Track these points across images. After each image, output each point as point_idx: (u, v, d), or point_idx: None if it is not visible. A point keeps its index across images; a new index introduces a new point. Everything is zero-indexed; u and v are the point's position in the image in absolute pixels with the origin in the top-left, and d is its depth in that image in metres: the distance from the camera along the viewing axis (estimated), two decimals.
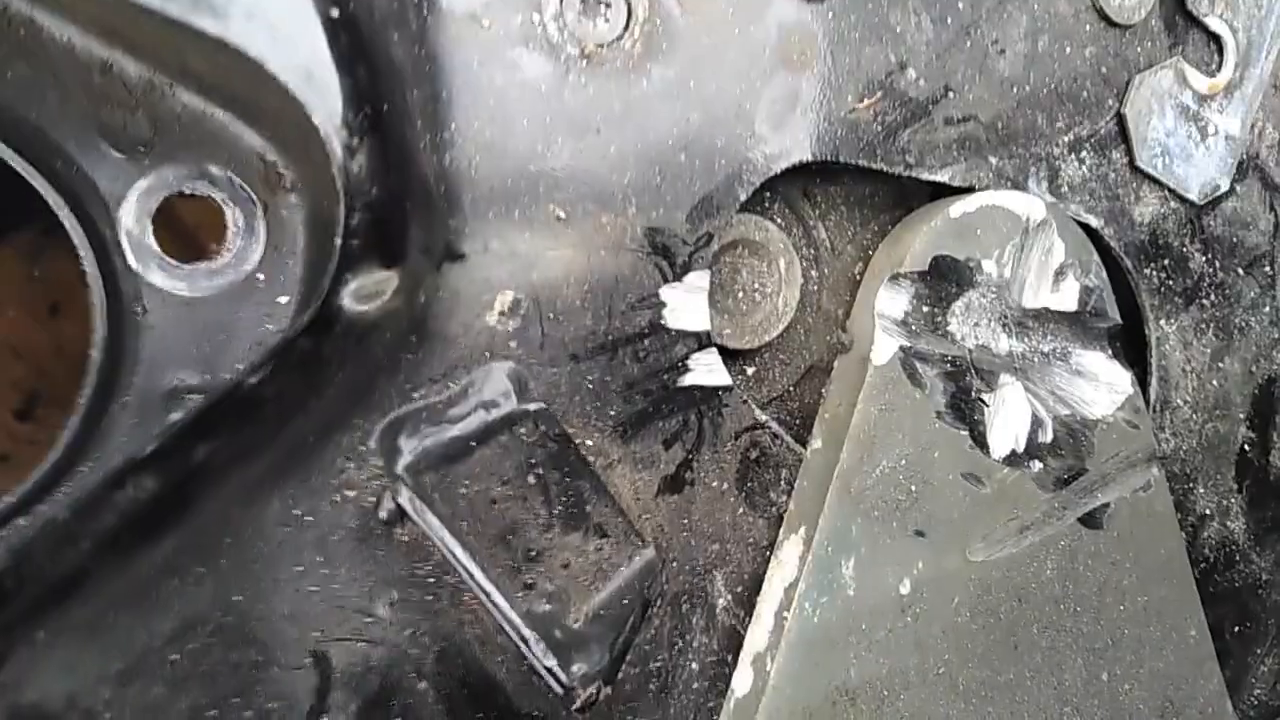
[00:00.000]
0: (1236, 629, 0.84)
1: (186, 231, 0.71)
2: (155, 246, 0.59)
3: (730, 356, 0.65)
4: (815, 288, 0.69)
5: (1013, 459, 0.66)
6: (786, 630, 0.59)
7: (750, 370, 0.68)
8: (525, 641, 0.52)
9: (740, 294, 0.65)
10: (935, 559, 0.63)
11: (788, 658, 0.59)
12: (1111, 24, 0.69)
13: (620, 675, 0.60)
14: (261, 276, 0.60)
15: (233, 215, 0.60)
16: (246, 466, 0.46)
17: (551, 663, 0.52)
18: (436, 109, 0.49)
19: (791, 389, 0.69)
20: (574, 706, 0.52)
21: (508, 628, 0.54)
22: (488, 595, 0.53)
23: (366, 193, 0.44)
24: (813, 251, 0.69)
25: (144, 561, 0.45)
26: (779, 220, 0.67)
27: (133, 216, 0.59)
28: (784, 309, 0.65)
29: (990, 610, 0.65)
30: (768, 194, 0.67)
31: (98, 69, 0.56)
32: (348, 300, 0.44)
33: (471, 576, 0.53)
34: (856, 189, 0.70)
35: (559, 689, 0.51)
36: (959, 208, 0.63)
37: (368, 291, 0.44)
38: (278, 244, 0.60)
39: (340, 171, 0.42)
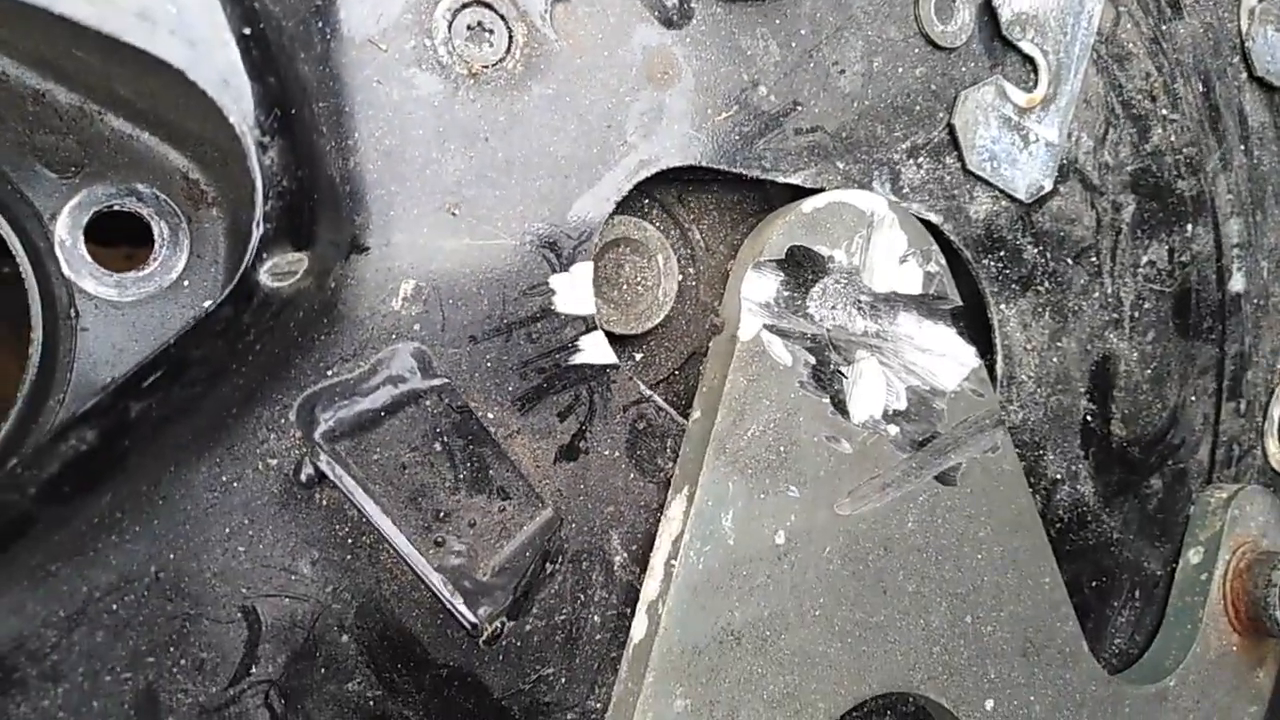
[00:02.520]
0: (1094, 584, 0.93)
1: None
2: (88, 256, 0.65)
3: (618, 343, 0.73)
4: (693, 283, 0.77)
5: (871, 424, 0.74)
6: (674, 577, 0.66)
7: (638, 356, 0.76)
8: (436, 590, 0.58)
9: (624, 286, 0.73)
10: (806, 512, 0.71)
11: (676, 602, 0.66)
12: (937, 47, 0.80)
13: (529, 628, 0.66)
14: (186, 283, 0.66)
15: (159, 228, 0.67)
16: (176, 430, 0.52)
17: (460, 603, 0.58)
18: (340, 119, 0.57)
19: (675, 373, 0.77)
20: (481, 638, 0.58)
21: (422, 579, 0.60)
22: (401, 552, 0.59)
23: (279, 183, 0.51)
24: (689, 251, 0.77)
25: (83, 514, 0.50)
26: (658, 224, 0.75)
27: (66, 229, 0.65)
28: (664, 299, 0.73)
29: (859, 558, 0.73)
30: (646, 200, 0.76)
31: (30, 98, 0.62)
32: (264, 276, 0.50)
33: (386, 535, 0.59)
34: (726, 196, 0.79)
35: (467, 625, 0.57)
36: (810, 204, 0.73)
37: (281, 270, 0.51)
38: (200, 253, 0.67)
39: (255, 163, 0.49)
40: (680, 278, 0.76)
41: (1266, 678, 0.96)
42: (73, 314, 0.64)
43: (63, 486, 0.46)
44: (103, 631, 0.52)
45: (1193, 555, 0.96)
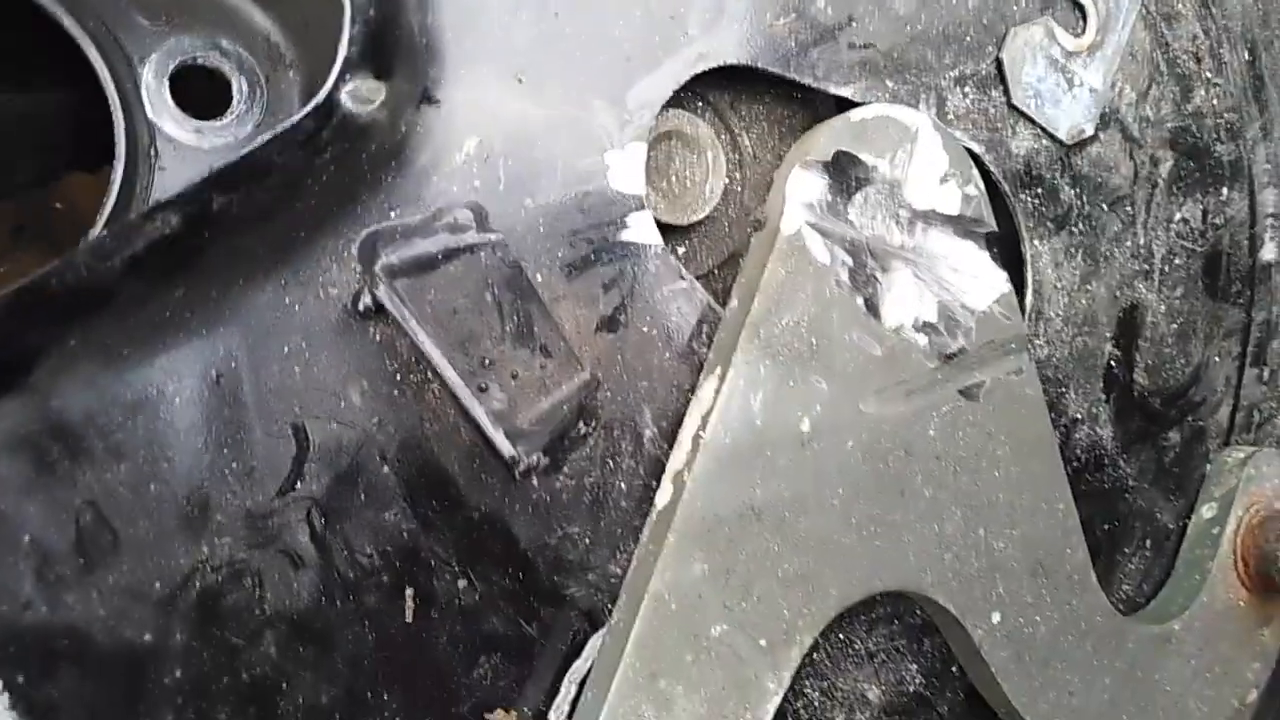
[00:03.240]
0: (1106, 527, 0.95)
1: None
2: (170, 101, 0.69)
3: (663, 232, 0.76)
4: (739, 188, 0.80)
5: (901, 331, 0.77)
6: (701, 449, 0.69)
7: (681, 250, 0.79)
8: (480, 422, 0.62)
9: (673, 178, 0.76)
10: (832, 406, 0.73)
11: (702, 471, 0.69)
12: None
13: (558, 485, 0.69)
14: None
15: (238, 84, 0.71)
16: (249, 239, 0.56)
17: (500, 437, 0.61)
18: None
19: (715, 270, 0.80)
20: (518, 469, 0.61)
21: (466, 416, 0.64)
22: (451, 385, 0.62)
23: (366, 11, 0.54)
24: (738, 156, 0.80)
25: (158, 303, 0.53)
26: (710, 125, 0.79)
27: (153, 74, 0.69)
28: (710, 196, 0.77)
29: (880, 456, 0.75)
30: (701, 102, 0.79)
31: None
32: (345, 97, 0.54)
33: (437, 369, 0.62)
34: (777, 109, 0.82)
35: (506, 457, 0.61)
36: (858, 114, 0.76)
37: (361, 96, 0.54)
38: (275, 111, 0.70)
39: None
40: (727, 180, 0.79)
41: (1273, 638, 0.97)
42: (153, 153, 0.68)
43: (144, 266, 0.50)
44: (165, 421, 0.56)
45: (1206, 510, 0.97)
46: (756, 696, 0.71)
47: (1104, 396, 0.93)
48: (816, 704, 0.82)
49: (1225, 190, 0.97)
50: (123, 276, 0.49)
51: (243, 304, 0.58)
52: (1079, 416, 0.92)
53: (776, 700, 0.71)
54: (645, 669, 0.67)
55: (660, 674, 0.68)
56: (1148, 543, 0.97)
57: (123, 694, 0.55)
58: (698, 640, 0.69)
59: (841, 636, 0.83)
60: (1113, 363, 0.93)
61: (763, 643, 0.71)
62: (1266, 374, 1.02)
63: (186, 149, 0.69)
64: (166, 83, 0.69)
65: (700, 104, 0.78)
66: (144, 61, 0.69)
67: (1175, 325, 0.95)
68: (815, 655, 0.83)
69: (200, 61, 0.70)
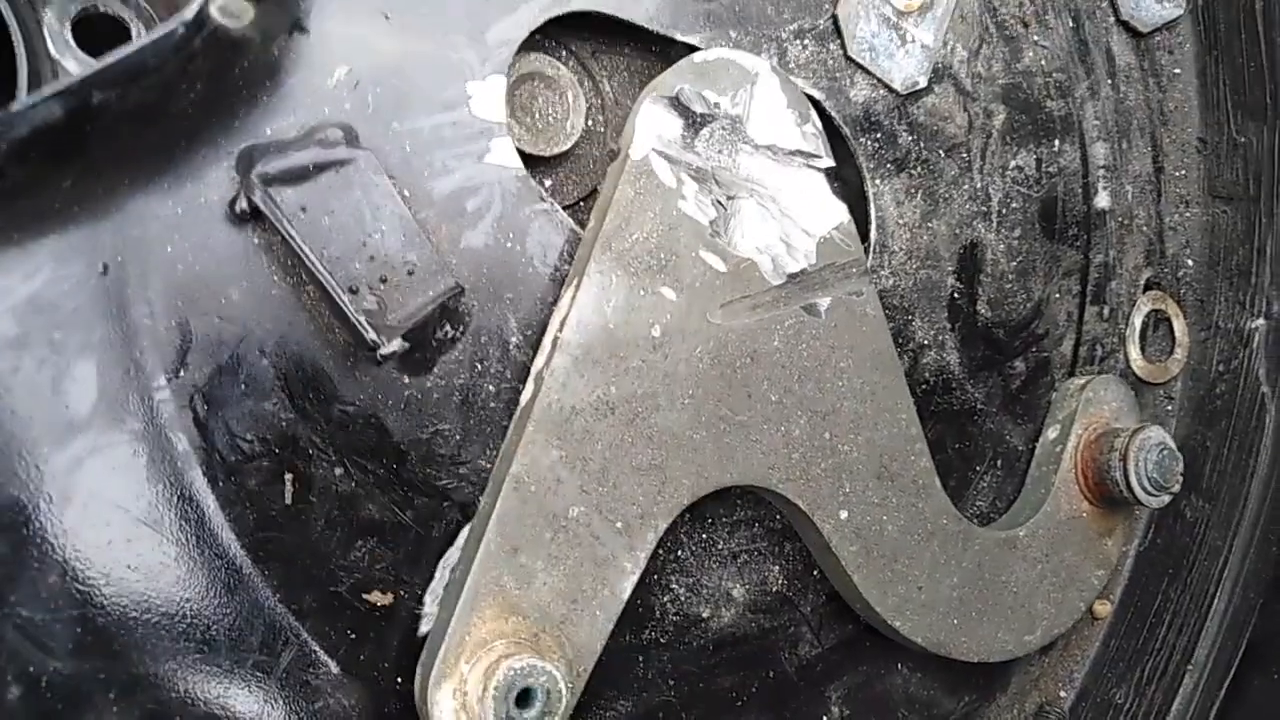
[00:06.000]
0: (956, 446, 1.03)
1: None
2: (71, 41, 0.76)
3: (528, 163, 0.84)
4: (600, 130, 0.89)
5: (745, 251, 0.85)
6: (559, 348, 0.77)
7: (547, 183, 0.87)
8: (349, 313, 0.69)
9: (536, 115, 0.84)
10: (681, 315, 0.81)
11: (558, 366, 0.76)
12: None
13: (429, 385, 0.76)
14: None
15: (136, 30, 0.78)
16: (131, 139, 0.63)
17: (366, 323, 0.68)
18: None
19: (580, 203, 0.88)
20: (381, 353, 0.68)
21: (337, 319, 0.71)
22: (322, 289, 0.69)
23: None
24: (600, 101, 0.89)
25: (47, 190, 0.60)
26: (573, 72, 0.87)
27: (54, 17, 0.76)
28: (571, 131, 0.85)
29: (727, 363, 0.83)
30: (564, 52, 0.87)
31: None
32: (214, 10, 0.61)
33: (311, 273, 0.69)
34: (636, 61, 0.91)
35: (370, 340, 0.68)
36: (700, 55, 0.84)
37: (230, 11, 0.62)
38: None
39: None
40: (590, 123, 0.87)
41: (1114, 547, 1.07)
42: None
43: (30, 151, 0.56)
44: (59, 310, 0.62)
45: (1050, 432, 1.07)
46: (614, 575, 0.78)
47: (949, 326, 1.02)
48: (683, 599, 0.89)
49: (1058, 142, 1.07)
50: (9, 160, 0.56)
51: (128, 203, 0.65)
52: (925, 343, 1.00)
53: (632, 579, 0.79)
54: (506, 544, 0.74)
55: (521, 550, 0.75)
56: (999, 463, 1.06)
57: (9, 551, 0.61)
58: (556, 520, 0.76)
59: (705, 536, 0.90)
60: (955, 294, 1.02)
61: (618, 525, 0.78)
62: (1106, 311, 1.12)
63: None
64: (69, 25, 0.76)
65: (564, 53, 0.87)
66: (47, 4, 0.76)
67: (1015, 263, 1.05)
68: (680, 554, 0.90)
69: (101, 9, 0.77)
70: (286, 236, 0.68)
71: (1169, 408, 1.16)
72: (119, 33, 0.78)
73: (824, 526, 0.88)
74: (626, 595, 0.78)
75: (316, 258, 0.69)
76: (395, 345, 0.69)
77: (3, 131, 0.55)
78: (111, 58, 0.58)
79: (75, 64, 0.76)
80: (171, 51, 0.59)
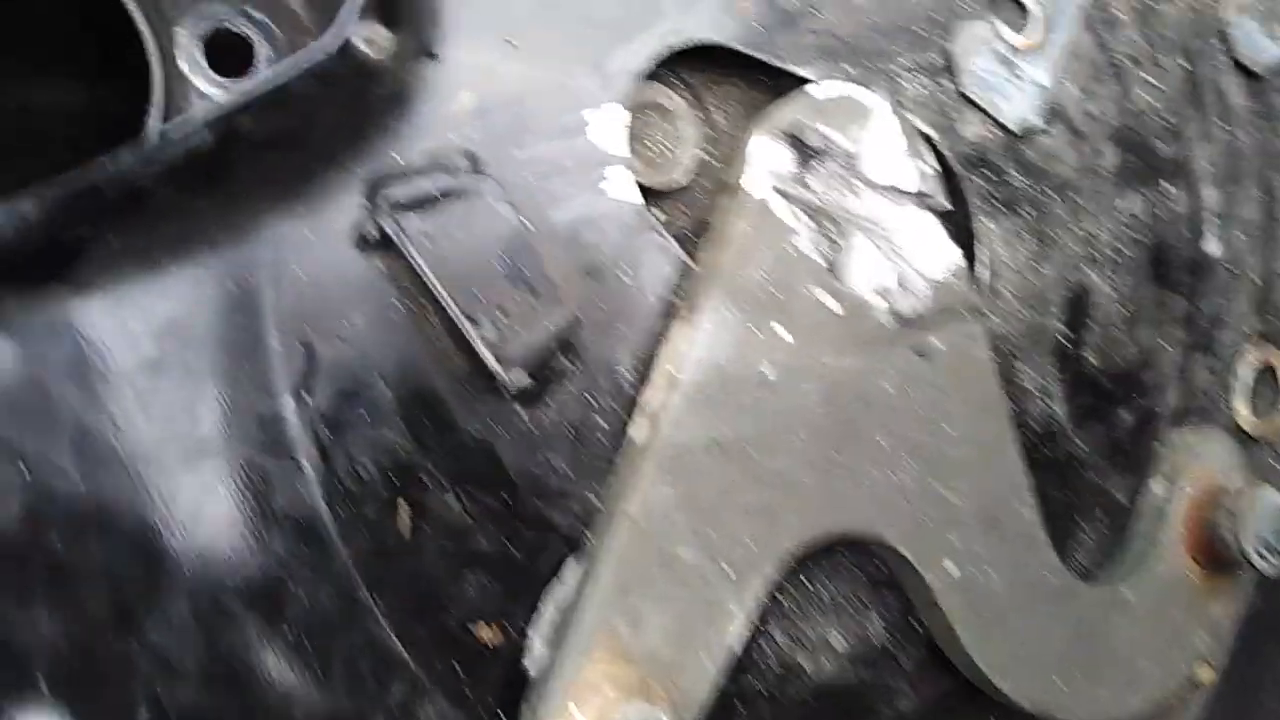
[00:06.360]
0: (1059, 497, 1.00)
1: None
2: (201, 60, 0.77)
3: (643, 196, 0.83)
4: (713, 161, 0.88)
5: (860, 292, 0.83)
6: (672, 386, 0.75)
7: (659, 214, 0.86)
8: (476, 347, 0.68)
9: (651, 146, 0.84)
10: (794, 355, 0.80)
11: (673, 407, 0.75)
12: None
13: (543, 418, 0.75)
14: None
15: (264, 51, 0.78)
16: (273, 164, 0.63)
17: (493, 361, 0.67)
18: None
19: (690, 235, 0.87)
20: (509, 390, 0.67)
21: (457, 348, 0.70)
22: (445, 317, 0.69)
23: None
24: (713, 133, 0.88)
25: (192, 213, 0.60)
26: (687, 101, 0.86)
27: (185, 36, 0.76)
28: (686, 162, 0.84)
29: (838, 405, 0.81)
30: (679, 82, 0.86)
31: None
32: (358, 40, 0.61)
33: (435, 300, 0.69)
34: (749, 92, 0.90)
35: (499, 376, 0.67)
36: (818, 90, 0.83)
37: (372, 40, 0.62)
38: None
39: None
40: (702, 153, 0.86)
41: (1222, 611, 1.03)
42: (184, 107, 0.75)
43: (182, 176, 0.56)
44: (194, 332, 0.62)
45: (1155, 486, 1.03)
46: (722, 620, 0.76)
47: (1056, 372, 0.99)
48: (784, 647, 0.87)
49: (1167, 185, 1.04)
50: (162, 184, 0.56)
51: (264, 227, 0.64)
52: (1032, 390, 0.98)
53: (740, 625, 0.76)
54: (617, 583, 0.72)
55: (631, 590, 0.73)
56: (1101, 516, 1.03)
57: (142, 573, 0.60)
58: (667, 561, 0.74)
59: (805, 582, 0.88)
60: (1063, 340, 0.99)
61: (727, 568, 0.76)
62: (1213, 363, 1.09)
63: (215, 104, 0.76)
64: (200, 43, 0.77)
65: (679, 83, 0.86)
66: (177, 24, 0.76)
67: (1123, 309, 1.02)
68: (782, 600, 0.87)
69: (229, 27, 0.78)
70: (412, 263, 0.68)
71: (1277, 465, 1.12)
72: (243, 50, 0.79)
73: (930, 579, 0.85)
74: (735, 643, 0.76)
75: (441, 286, 0.69)
76: (523, 379, 0.68)
77: (156, 154, 0.55)
78: (258, 83, 0.58)
79: (206, 83, 0.77)
80: (316, 80, 0.59)
